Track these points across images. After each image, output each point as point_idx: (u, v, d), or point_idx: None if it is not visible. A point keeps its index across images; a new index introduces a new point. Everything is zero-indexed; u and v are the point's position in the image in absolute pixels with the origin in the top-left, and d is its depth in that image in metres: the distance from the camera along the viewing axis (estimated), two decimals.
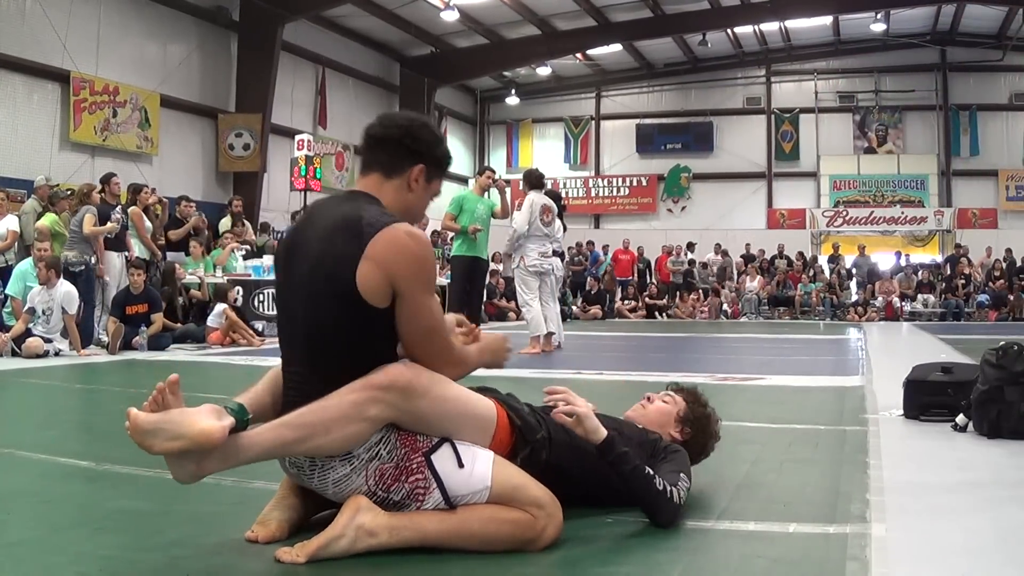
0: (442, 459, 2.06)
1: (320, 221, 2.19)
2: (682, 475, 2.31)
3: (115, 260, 9.50)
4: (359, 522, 1.98)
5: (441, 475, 2.04)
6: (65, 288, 8.18)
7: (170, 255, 10.94)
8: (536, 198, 8.69)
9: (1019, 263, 18.73)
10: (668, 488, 2.23)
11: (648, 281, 20.23)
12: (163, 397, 1.92)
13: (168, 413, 1.90)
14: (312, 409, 1.98)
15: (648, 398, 2.69)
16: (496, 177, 9.16)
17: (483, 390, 2.28)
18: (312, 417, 1.97)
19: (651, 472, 2.24)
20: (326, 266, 2.09)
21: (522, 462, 2.19)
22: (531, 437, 2.22)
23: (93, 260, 9.02)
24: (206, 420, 1.88)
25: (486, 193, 9.04)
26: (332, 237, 2.11)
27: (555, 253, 8.95)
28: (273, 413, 2.12)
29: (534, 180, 8.87)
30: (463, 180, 22.15)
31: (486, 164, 9.38)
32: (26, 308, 8.12)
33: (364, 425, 1.99)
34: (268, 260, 11.82)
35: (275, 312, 10.77)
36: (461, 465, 2.06)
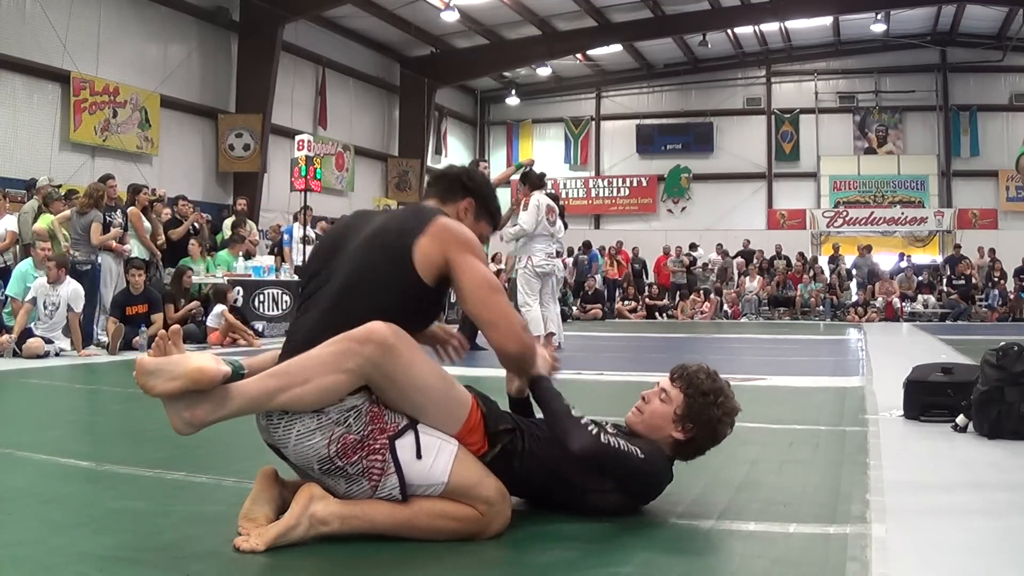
0: (404, 447, 2.11)
1: (382, 212, 2.52)
2: (632, 448, 2.26)
3: (111, 261, 9.48)
4: (312, 511, 2.07)
5: (401, 462, 2.10)
6: (73, 286, 8.17)
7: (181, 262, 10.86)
8: (542, 198, 8.70)
9: (1020, 263, 18.74)
10: (587, 421, 2.25)
11: (646, 282, 20.23)
12: (165, 344, 2.03)
13: (169, 357, 2.02)
14: (295, 360, 2.09)
15: (644, 399, 2.45)
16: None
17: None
18: (294, 367, 2.07)
19: (573, 409, 2.28)
20: (386, 234, 2.28)
21: (502, 451, 2.23)
22: (493, 428, 2.24)
23: (99, 259, 9.02)
24: (203, 360, 2.01)
25: None
26: (396, 215, 2.41)
27: (557, 254, 8.95)
28: None
29: (535, 180, 8.86)
30: None
31: (476, 158, 9.39)
32: (28, 298, 8.09)
33: (341, 377, 2.05)
34: (267, 260, 11.84)
35: (275, 312, 10.93)
36: (419, 457, 2.11)
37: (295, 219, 13.78)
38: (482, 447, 2.21)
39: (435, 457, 2.12)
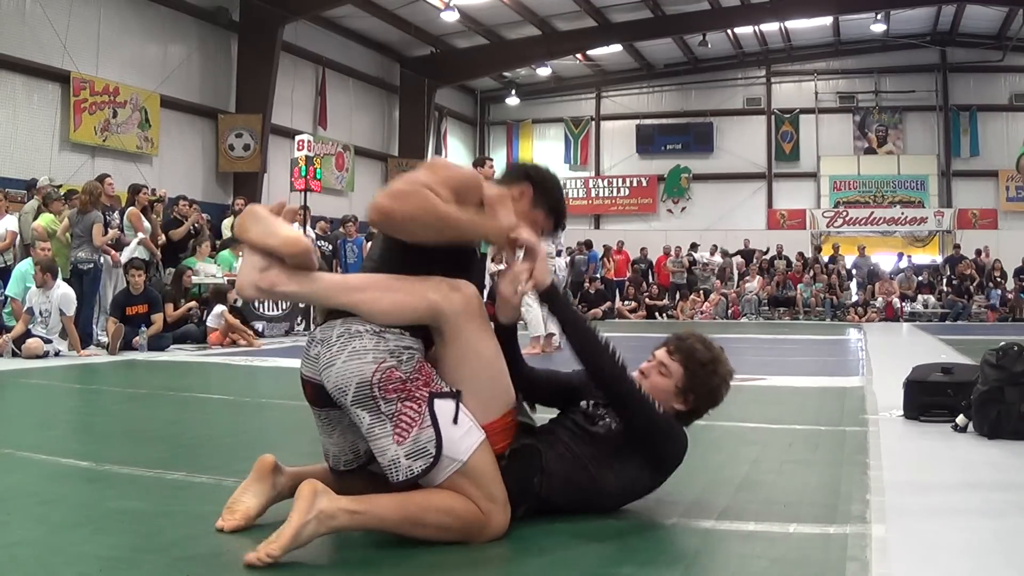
0: (443, 409, 2.11)
1: None
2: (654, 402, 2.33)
3: (112, 261, 9.47)
4: (319, 507, 2.03)
5: (439, 419, 2.09)
6: (63, 290, 8.17)
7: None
8: None
9: (1020, 263, 18.76)
10: (615, 351, 2.27)
11: (649, 281, 20.22)
12: (282, 210, 2.17)
13: (277, 218, 2.15)
14: (386, 275, 2.18)
15: (643, 372, 2.47)
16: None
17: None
18: (382, 278, 2.17)
19: (596, 330, 2.30)
20: None
21: (523, 466, 2.21)
22: (532, 428, 2.26)
23: (101, 259, 9.03)
24: (301, 233, 2.17)
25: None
26: None
27: (557, 253, 8.93)
28: None
29: None
30: None
31: (482, 156, 9.42)
32: (25, 308, 8.13)
33: (420, 303, 2.12)
34: None
35: (275, 312, 10.92)
36: (455, 422, 2.10)
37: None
38: (499, 450, 2.20)
39: (467, 432, 2.11)
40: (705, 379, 2.43)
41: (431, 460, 2.06)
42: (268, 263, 2.11)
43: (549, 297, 2.32)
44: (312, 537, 2.03)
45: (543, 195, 2.43)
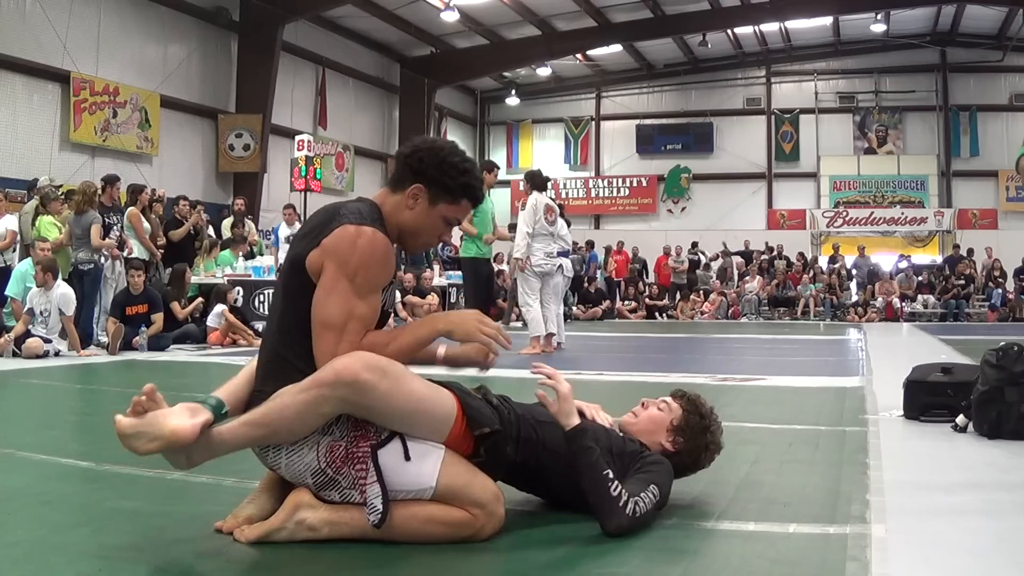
0: (389, 453, 2.08)
1: (316, 217, 2.29)
2: (652, 487, 2.22)
3: (112, 261, 9.47)
4: (299, 518, 2.08)
5: (384, 469, 2.07)
6: (62, 290, 8.17)
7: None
8: (539, 198, 8.70)
9: (1020, 263, 18.77)
10: (624, 496, 2.14)
11: (646, 281, 20.22)
12: (142, 406, 2.01)
13: (146, 416, 1.99)
14: (272, 409, 2.05)
15: (643, 404, 2.54)
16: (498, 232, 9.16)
17: (446, 385, 2.23)
18: (274, 416, 2.04)
19: (610, 475, 2.16)
20: (296, 253, 2.19)
21: (486, 452, 2.19)
22: (482, 423, 2.17)
23: (102, 260, 9.03)
24: (177, 420, 1.98)
25: (489, 191, 8.97)
26: (313, 219, 2.25)
27: (562, 252, 8.93)
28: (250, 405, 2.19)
29: (538, 181, 8.86)
30: None
31: (488, 159, 9.38)
32: (25, 309, 8.14)
33: (321, 421, 2.07)
34: (268, 260, 11.84)
35: None
36: (408, 458, 2.08)
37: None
38: (469, 450, 2.18)
39: (423, 461, 2.09)
40: (698, 431, 2.47)
41: (380, 515, 2.05)
42: (175, 454, 2.02)
43: (571, 438, 2.24)
44: (286, 541, 2.09)
45: (436, 185, 2.23)
